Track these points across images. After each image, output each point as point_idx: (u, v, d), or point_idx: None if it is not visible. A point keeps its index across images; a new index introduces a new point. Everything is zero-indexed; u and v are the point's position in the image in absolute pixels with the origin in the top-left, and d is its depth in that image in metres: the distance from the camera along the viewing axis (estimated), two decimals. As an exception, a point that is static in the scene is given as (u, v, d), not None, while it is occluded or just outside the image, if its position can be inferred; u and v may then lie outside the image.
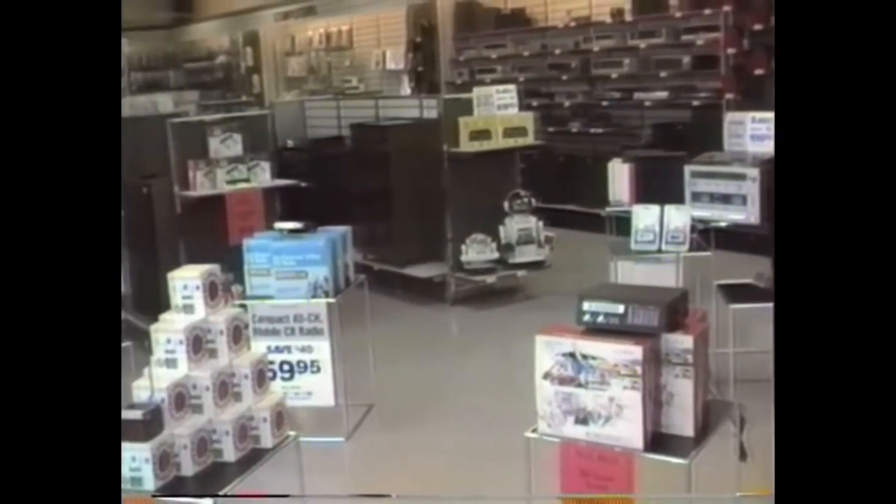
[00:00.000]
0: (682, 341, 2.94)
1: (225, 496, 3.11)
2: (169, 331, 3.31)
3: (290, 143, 9.38)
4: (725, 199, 5.43)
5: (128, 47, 16.38)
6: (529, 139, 7.77)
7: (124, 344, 4.10)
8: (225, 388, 3.37)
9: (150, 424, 3.09)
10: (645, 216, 5.59)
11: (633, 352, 2.84)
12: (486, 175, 7.65)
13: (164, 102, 8.49)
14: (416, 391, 5.77)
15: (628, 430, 2.88)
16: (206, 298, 3.38)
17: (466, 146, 7.50)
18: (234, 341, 3.44)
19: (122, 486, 3.03)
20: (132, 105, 8.00)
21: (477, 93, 7.80)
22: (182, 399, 3.24)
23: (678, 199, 5.58)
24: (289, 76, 17.06)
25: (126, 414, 3.04)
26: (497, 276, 7.58)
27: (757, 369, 4.66)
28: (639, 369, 2.83)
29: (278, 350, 4.98)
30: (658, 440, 2.95)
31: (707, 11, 9.51)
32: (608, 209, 6.10)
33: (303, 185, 7.11)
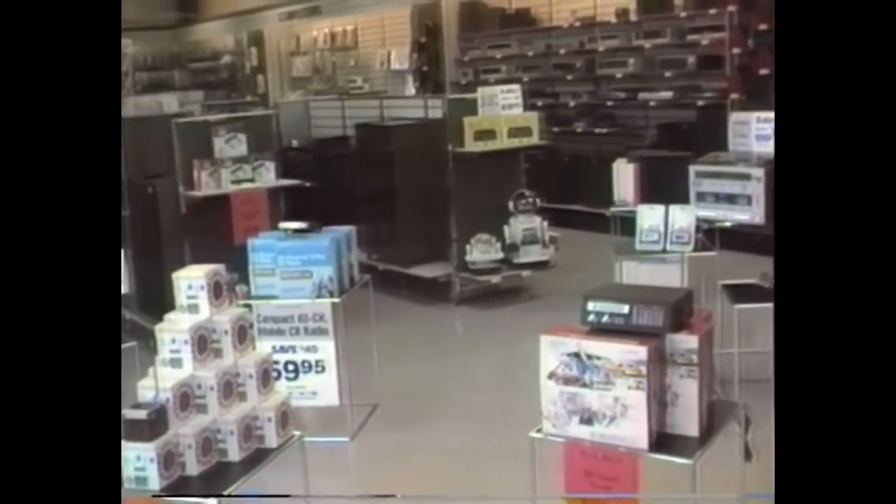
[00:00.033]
0: (686, 341, 2.94)
1: (229, 496, 3.11)
2: (174, 331, 3.31)
3: (294, 143, 9.38)
4: (730, 199, 5.42)
5: (133, 47, 16.39)
6: (534, 139, 7.75)
7: (129, 344, 4.12)
8: (230, 388, 3.37)
9: (155, 424, 3.09)
10: (650, 216, 5.58)
11: (637, 352, 2.84)
12: (490, 175, 7.64)
13: (168, 102, 8.51)
14: (421, 391, 5.77)
15: (633, 431, 2.88)
16: (211, 298, 3.38)
17: (471, 146, 7.48)
18: (238, 341, 3.44)
19: (127, 485, 3.04)
20: (137, 105, 8.02)
21: (481, 93, 7.79)
22: (187, 399, 3.24)
23: (683, 199, 5.56)
24: (293, 76, 17.08)
25: (131, 413, 3.05)
26: (502, 275, 7.57)
27: (761, 369, 4.64)
28: (644, 369, 2.83)
29: (283, 350, 4.98)
30: (663, 440, 2.94)
31: (712, 11, 9.50)
32: (613, 209, 6.09)
33: (307, 185, 7.11)
